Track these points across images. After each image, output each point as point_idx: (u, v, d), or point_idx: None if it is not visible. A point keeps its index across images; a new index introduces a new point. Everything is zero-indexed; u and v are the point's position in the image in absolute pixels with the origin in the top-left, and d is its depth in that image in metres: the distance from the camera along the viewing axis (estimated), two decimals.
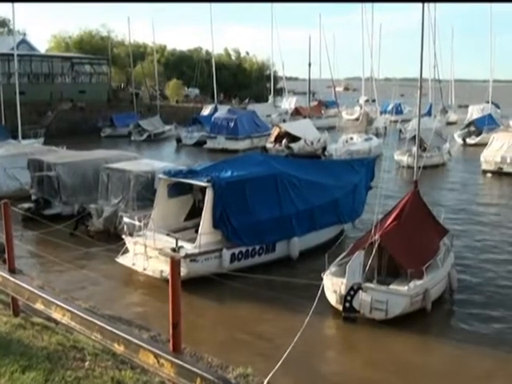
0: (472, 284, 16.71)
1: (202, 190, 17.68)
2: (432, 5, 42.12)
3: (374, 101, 59.95)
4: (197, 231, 16.91)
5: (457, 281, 16.00)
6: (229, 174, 17.84)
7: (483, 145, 39.17)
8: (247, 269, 16.46)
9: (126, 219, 18.56)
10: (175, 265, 6.49)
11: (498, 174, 34.69)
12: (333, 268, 14.93)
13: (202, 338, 13.02)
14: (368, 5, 50.68)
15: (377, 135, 46.04)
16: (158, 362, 6.76)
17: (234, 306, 15.01)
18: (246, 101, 78.18)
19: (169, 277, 6.83)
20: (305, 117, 54.42)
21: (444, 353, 12.79)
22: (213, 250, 16.55)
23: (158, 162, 24.31)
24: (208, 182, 16.96)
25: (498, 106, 69.04)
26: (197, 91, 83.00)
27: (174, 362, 6.55)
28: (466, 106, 68.68)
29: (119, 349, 7.42)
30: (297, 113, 62.07)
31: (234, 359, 11.03)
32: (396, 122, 57.30)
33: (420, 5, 17.02)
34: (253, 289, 14.81)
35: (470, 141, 48.60)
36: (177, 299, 6.57)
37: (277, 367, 9.15)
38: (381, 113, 64.52)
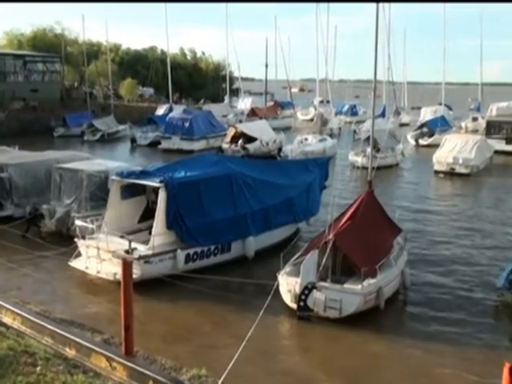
0: (425, 282, 17.00)
1: (156, 190, 17.50)
2: (387, 7, 42.71)
3: (328, 102, 60.47)
4: (151, 233, 16.74)
5: (410, 279, 16.28)
6: (182, 174, 17.72)
7: (435, 146, 39.98)
8: (202, 269, 16.40)
9: (78, 222, 18.20)
10: (127, 267, 6.42)
11: (450, 174, 35.44)
12: (288, 268, 14.99)
13: (157, 341, 12.85)
14: (323, 7, 51.20)
15: (331, 136, 46.50)
16: (111, 365, 6.68)
17: (188, 307, 14.87)
18: (202, 101, 77.82)
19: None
20: (261, 117, 54.51)
21: (397, 351, 12.97)
22: (167, 251, 16.40)
23: (111, 162, 23.98)
24: (161, 182, 16.81)
25: (450, 108, 70.53)
26: (151, 91, 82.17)
27: (126, 365, 6.48)
28: (419, 108, 69.98)
29: (71, 353, 7.31)
30: (253, 113, 62.11)
31: (187, 361, 10.95)
32: (350, 122, 58.03)
33: (375, 7, 17.26)
34: (208, 290, 14.76)
35: (422, 142, 49.49)
36: (129, 302, 6.50)
37: (229, 367, 9.12)
38: (336, 114, 65.21)
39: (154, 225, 16.61)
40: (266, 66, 52.64)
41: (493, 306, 15.51)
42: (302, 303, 14.01)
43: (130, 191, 18.44)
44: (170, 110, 55.74)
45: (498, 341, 13.45)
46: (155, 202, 17.26)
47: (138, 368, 6.40)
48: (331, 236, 14.76)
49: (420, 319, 14.56)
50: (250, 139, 41.23)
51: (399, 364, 12.37)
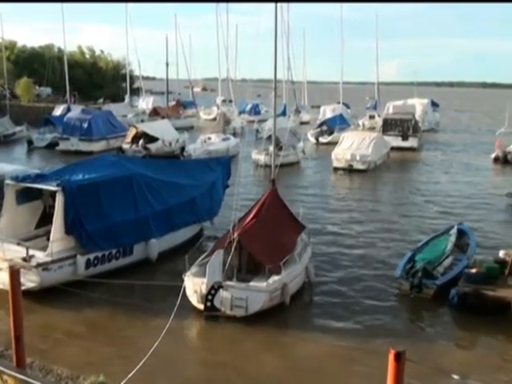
0: (329, 276, 17.35)
1: (53, 194, 16.78)
2: (285, 7, 43.39)
3: (231, 101, 60.72)
4: (49, 238, 16.04)
5: (314, 275, 16.57)
6: (80, 177, 17.09)
7: (335, 143, 41.03)
8: (105, 274, 15.90)
9: None
10: (14, 275, 6.04)
11: (349, 170, 36.50)
12: (194, 268, 14.87)
13: (56, 350, 12.34)
14: (223, 6, 51.26)
15: (234, 135, 46.71)
16: (2, 378, 6.28)
17: (91, 314, 14.38)
18: (101, 100, 75.78)
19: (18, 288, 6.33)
20: (163, 117, 53.90)
21: (302, 346, 13.11)
22: (66, 257, 15.76)
23: (7, 165, 22.79)
24: (58, 186, 16.12)
25: (348, 107, 72.76)
26: (49, 90, 79.17)
27: (18, 377, 6.12)
28: (319, 107, 71.64)
29: None
30: (155, 113, 61.34)
31: (89, 369, 10.56)
32: (253, 121, 58.48)
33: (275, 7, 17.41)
34: (111, 295, 14.32)
35: (322, 140, 50.67)
36: (18, 311, 6.12)
37: (132, 374, 8.87)
38: (239, 113, 65.57)
39: (52, 230, 15.93)
40: (167, 64, 51.98)
41: (392, 295, 16.04)
42: (208, 303, 13.94)
43: (25, 196, 17.57)
44: (68, 110, 53.81)
45: (396, 330, 13.93)
46: (53, 207, 16.54)
47: (30, 380, 6.05)
48: (236, 235, 14.78)
49: (324, 313, 14.82)
50: (151, 139, 40.58)
51: (306, 359, 12.49)
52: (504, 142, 44.16)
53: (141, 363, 9.30)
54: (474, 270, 15.62)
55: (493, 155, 42.22)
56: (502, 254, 17.33)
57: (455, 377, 11.61)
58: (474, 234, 20.16)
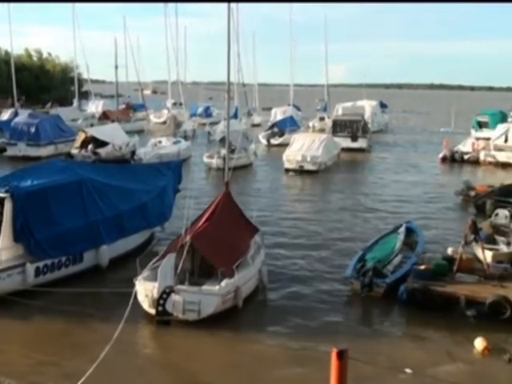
0: (282, 278, 17.44)
1: (1, 201, 16.38)
2: (235, 10, 43.50)
3: (181, 104, 60.39)
4: None
5: (268, 277, 16.63)
6: (29, 182, 16.73)
7: (286, 145, 41.35)
8: (55, 282, 15.64)
9: None
10: None
11: (300, 171, 36.81)
12: (145, 273, 14.75)
13: (3, 361, 12.07)
14: (172, 7, 50.92)
15: (186, 138, 46.52)
16: None
17: (40, 324, 14.08)
18: (49, 104, 74.19)
19: None
20: (113, 120, 53.17)
21: (256, 348, 13.15)
22: (15, 265, 15.41)
23: None
24: (6, 192, 15.76)
25: (298, 109, 73.27)
26: None
27: None
28: (270, 109, 72.00)
29: None
30: (104, 117, 60.46)
31: (37, 380, 10.35)
32: (205, 124, 58.37)
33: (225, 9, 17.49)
34: (61, 304, 14.09)
35: (273, 141, 50.90)
36: None
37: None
38: (191, 116, 65.32)
39: (0, 238, 15.57)
40: (116, 67, 51.41)
41: (344, 295, 16.27)
42: (160, 308, 13.77)
43: None
44: (16, 114, 52.60)
45: (347, 329, 14.10)
46: (1, 214, 16.17)
47: None
48: (188, 238, 14.72)
49: (277, 315, 14.90)
50: (101, 143, 39.98)
51: (257, 362, 12.53)
52: (451, 142, 45.37)
53: (90, 371, 9.17)
54: (422, 267, 16.00)
55: (440, 155, 43.28)
56: (450, 251, 17.83)
57: (408, 371, 11.92)
58: (423, 231, 20.65)
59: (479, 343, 12.97)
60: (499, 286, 15.34)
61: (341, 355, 7.06)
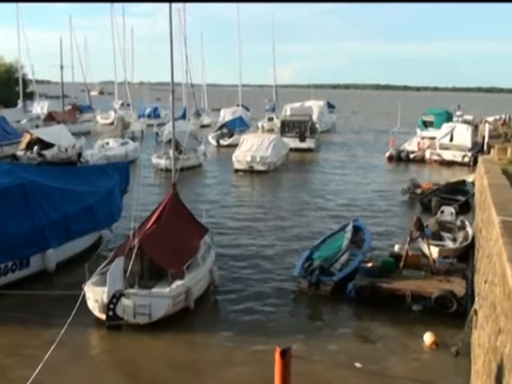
0: (233, 278, 17.47)
1: None
2: (182, 10, 43.32)
3: (129, 105, 59.76)
4: None
5: (219, 277, 16.62)
6: None
7: (235, 146, 41.38)
8: (1, 288, 15.21)
9: None
10: None
11: (250, 172, 36.93)
12: (94, 277, 14.53)
13: None
14: (118, 7, 50.36)
15: (133, 139, 46.00)
16: None
17: None
18: None
19: None
20: (59, 122, 52.17)
21: (208, 349, 13.15)
22: None
23: None
24: None
25: (247, 109, 73.49)
26: None
27: None
28: (219, 110, 71.93)
29: None
30: (50, 118, 59.26)
31: None
32: (153, 125, 57.87)
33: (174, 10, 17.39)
34: (6, 310, 13.75)
35: (223, 142, 50.88)
36: None
37: None
38: (138, 117, 64.66)
39: None
40: (62, 67, 50.54)
41: (292, 294, 16.39)
42: (110, 312, 13.56)
43: None
44: None
45: (296, 328, 14.20)
46: None
47: None
48: (136, 241, 14.57)
49: (228, 315, 14.95)
50: (47, 145, 39.14)
51: (209, 363, 12.55)
52: (397, 141, 46.30)
53: (34, 374, 8.97)
54: (369, 265, 16.30)
55: (387, 154, 44.12)
56: (397, 248, 18.22)
57: (357, 365, 12.12)
58: (370, 229, 21.01)
59: (427, 337, 13.27)
60: (445, 280, 15.74)
61: (284, 354, 7.15)
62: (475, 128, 50.26)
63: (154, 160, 36.64)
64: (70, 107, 67.48)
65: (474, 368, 11.33)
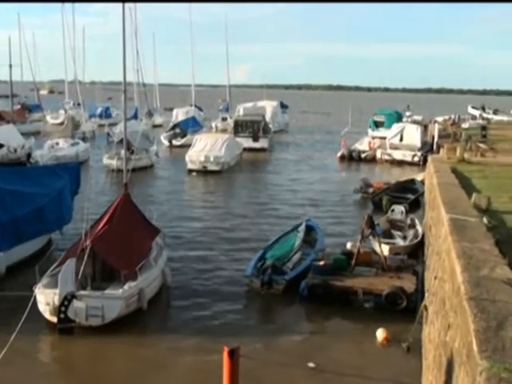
0: (186, 279, 17.41)
1: None
2: (133, 10, 42.89)
3: (79, 104, 58.80)
4: None
5: (171, 277, 16.56)
6: None
7: (188, 146, 41.28)
8: None
9: None
10: None
11: (203, 172, 36.83)
12: (45, 280, 14.26)
13: None
14: (69, 6, 49.56)
15: (84, 139, 45.35)
16: None
17: None
18: None
19: None
20: (7, 122, 50.90)
21: (161, 350, 13.06)
22: None
23: None
24: None
25: (200, 109, 73.30)
26: None
27: None
28: (171, 109, 71.48)
29: None
30: None
31: None
32: (104, 125, 57.07)
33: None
34: None
35: (175, 142, 50.62)
36: None
37: None
38: (90, 116, 63.70)
39: None
40: (10, 66, 49.43)
41: (245, 293, 16.42)
42: (62, 315, 13.32)
43: None
44: None
45: (249, 327, 14.28)
46: None
47: None
48: (88, 242, 14.39)
49: (181, 316, 14.91)
50: None
51: (166, 363, 12.47)
52: (349, 141, 46.89)
53: None
54: (321, 263, 16.46)
55: (339, 154, 44.66)
56: (349, 245, 18.47)
57: (310, 365, 12.22)
58: (322, 229, 21.23)
59: (379, 334, 13.49)
60: (396, 277, 16.03)
61: (232, 354, 7.20)
62: (425, 128, 51.25)
63: (106, 160, 36.18)
64: (19, 107, 65.94)
65: (424, 363, 11.57)
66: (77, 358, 13.03)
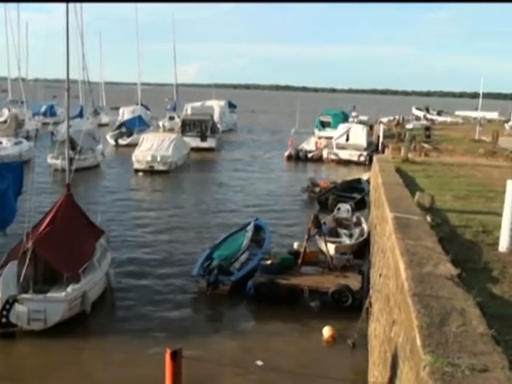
0: (130, 281, 17.15)
1: None
2: (78, 7, 41.98)
3: (23, 102, 57.29)
4: None
5: (115, 279, 16.29)
6: None
7: (134, 145, 40.73)
8: None
9: None
10: None
11: (150, 172, 36.43)
12: None
13: None
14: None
15: (28, 138, 44.20)
16: None
17: None
18: None
19: None
20: None
21: (105, 352, 12.85)
22: None
23: None
24: None
25: (147, 108, 72.46)
26: None
27: None
28: (118, 108, 70.48)
29: None
30: None
31: None
32: (48, 124, 55.82)
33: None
34: None
35: (122, 141, 49.95)
36: None
37: None
38: (33, 115, 62.17)
39: None
40: None
41: (191, 294, 16.29)
42: (4, 319, 12.99)
43: None
44: None
45: (194, 328, 14.11)
46: None
47: None
48: (30, 244, 14.01)
49: (125, 318, 14.69)
50: None
51: (110, 366, 12.26)
52: (296, 141, 47.20)
53: None
54: (268, 262, 16.49)
55: (286, 153, 44.93)
56: (295, 245, 18.55)
57: (259, 363, 12.21)
58: (270, 228, 21.27)
59: (325, 331, 13.60)
60: (341, 276, 16.20)
61: (174, 355, 7.10)
62: (370, 128, 52.14)
63: (50, 160, 35.35)
64: None
65: (370, 359, 11.72)
66: (17, 363, 12.65)
